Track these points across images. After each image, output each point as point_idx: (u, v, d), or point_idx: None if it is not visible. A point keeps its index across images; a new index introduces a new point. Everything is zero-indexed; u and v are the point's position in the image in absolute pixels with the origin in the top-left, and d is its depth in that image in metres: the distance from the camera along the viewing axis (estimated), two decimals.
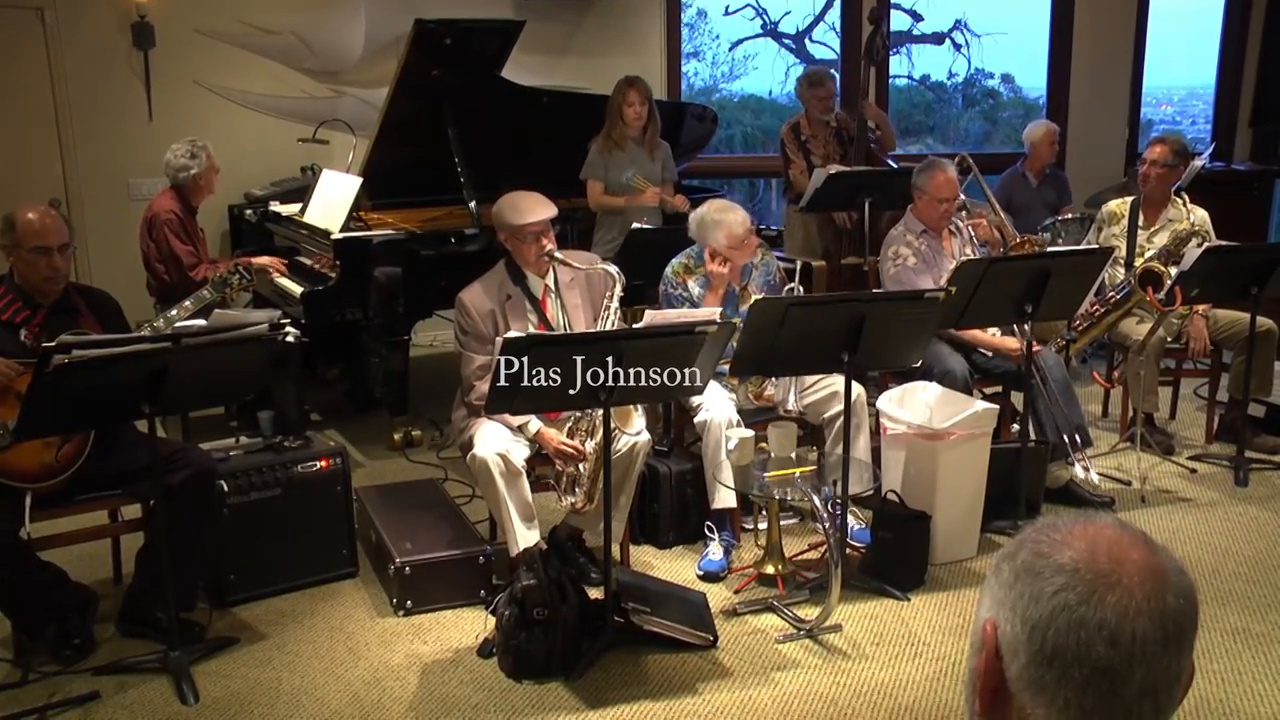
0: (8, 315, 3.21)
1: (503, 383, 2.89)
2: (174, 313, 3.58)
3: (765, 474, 3.57)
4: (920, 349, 3.52)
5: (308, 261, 5.13)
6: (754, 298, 3.65)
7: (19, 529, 3.05)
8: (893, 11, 7.02)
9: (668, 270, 4.01)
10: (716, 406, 3.71)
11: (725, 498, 3.74)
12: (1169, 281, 4.34)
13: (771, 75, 8.59)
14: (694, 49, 8.27)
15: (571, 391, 3.02)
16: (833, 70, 6.99)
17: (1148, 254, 4.69)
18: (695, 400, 3.75)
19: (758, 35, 8.45)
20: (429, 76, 4.96)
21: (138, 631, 3.31)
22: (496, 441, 3.38)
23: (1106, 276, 4.41)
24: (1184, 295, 4.23)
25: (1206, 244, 4.40)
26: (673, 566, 3.78)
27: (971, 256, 4.19)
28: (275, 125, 6.35)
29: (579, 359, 2.92)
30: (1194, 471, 4.58)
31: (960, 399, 3.85)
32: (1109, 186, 6.66)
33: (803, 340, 3.29)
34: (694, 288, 3.96)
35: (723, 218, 3.84)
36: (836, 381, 3.80)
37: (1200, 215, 4.78)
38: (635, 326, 3.61)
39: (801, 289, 4.17)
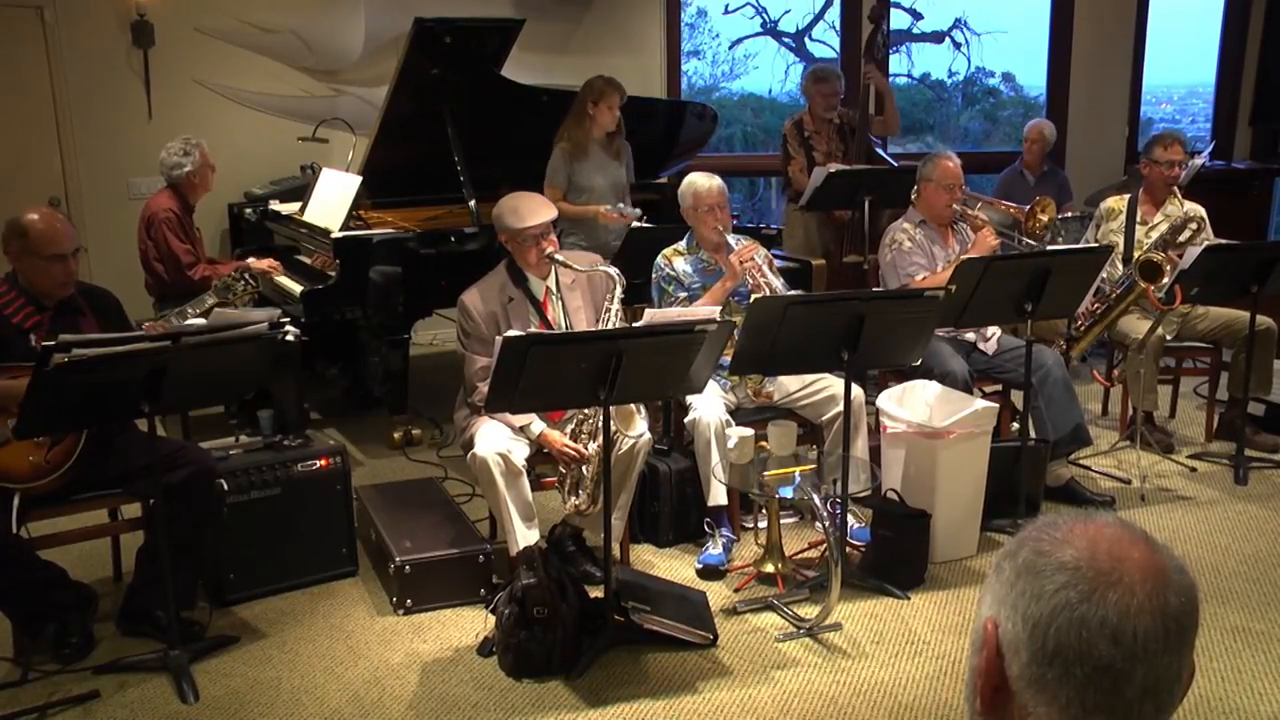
0: (19, 319, 3.21)
1: (502, 380, 2.89)
2: (188, 314, 3.61)
3: (765, 472, 3.58)
4: (920, 347, 3.52)
5: (307, 260, 5.13)
6: (754, 296, 3.65)
7: (13, 528, 3.05)
8: (893, 10, 7.00)
9: (658, 258, 4.05)
10: (706, 406, 3.72)
11: (719, 494, 3.75)
12: (1168, 270, 4.34)
13: (771, 74, 8.60)
14: (694, 48, 8.27)
15: (571, 390, 3.02)
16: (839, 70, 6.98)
17: (1145, 247, 4.70)
18: (686, 399, 3.76)
19: (757, 34, 8.45)
20: (429, 75, 4.97)
21: (137, 630, 3.31)
22: (497, 441, 3.38)
23: (1105, 274, 4.41)
24: (1184, 294, 4.24)
25: (1207, 243, 4.41)
26: (672, 565, 3.78)
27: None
28: (275, 124, 6.35)
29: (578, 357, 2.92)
30: (1194, 470, 4.58)
31: (960, 397, 3.85)
32: (1109, 185, 6.66)
33: (803, 339, 3.29)
34: (680, 265, 4.01)
35: (692, 179, 4.02)
36: (834, 384, 3.81)
37: (1197, 210, 4.79)
38: (634, 325, 3.61)
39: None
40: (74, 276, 3.27)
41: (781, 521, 3.78)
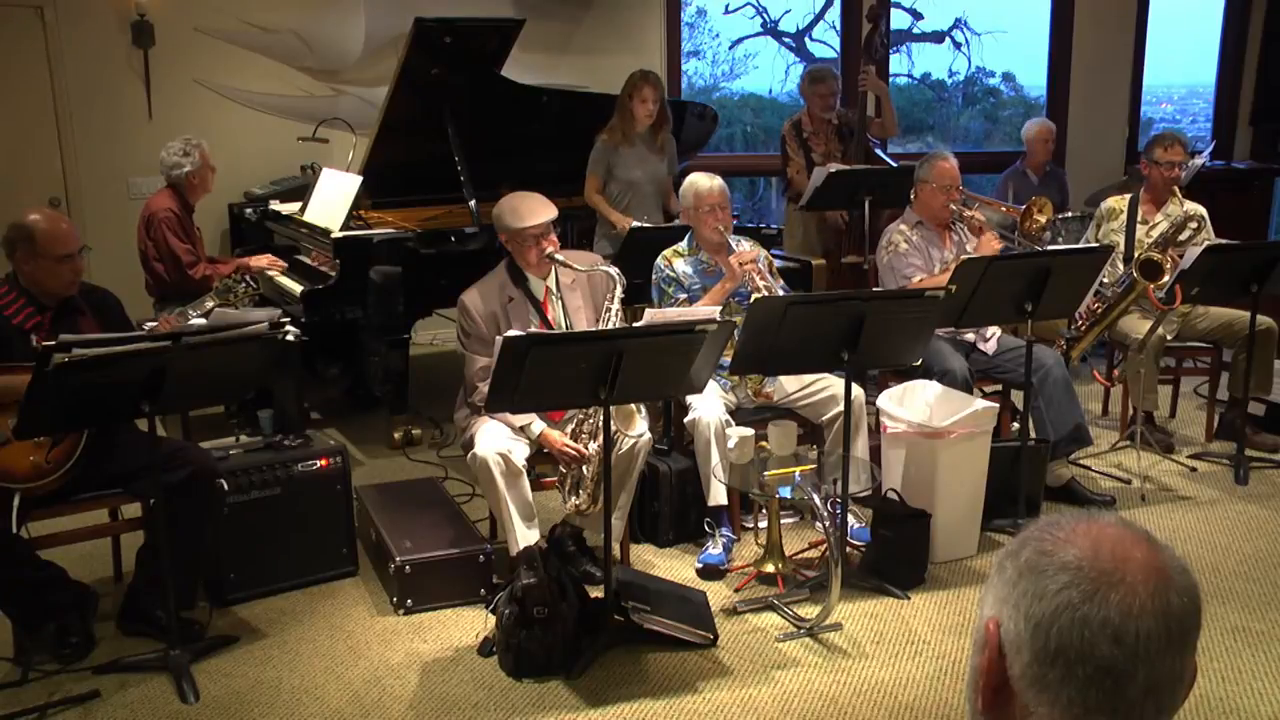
0: (19, 319, 3.20)
1: (502, 380, 2.89)
2: (189, 315, 3.62)
3: (765, 473, 3.57)
4: (920, 347, 3.52)
5: (308, 260, 5.13)
6: (754, 296, 3.65)
7: (13, 528, 3.05)
8: (893, 10, 7.01)
9: (658, 259, 4.05)
10: (706, 406, 3.72)
11: (719, 494, 3.75)
12: (1168, 268, 4.34)
13: (771, 74, 8.59)
14: (694, 48, 8.26)
15: (571, 390, 3.02)
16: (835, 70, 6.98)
17: (1146, 246, 4.69)
18: (686, 399, 3.76)
19: (758, 34, 8.44)
20: (429, 75, 4.97)
21: (138, 630, 3.31)
22: (497, 440, 3.38)
23: (1106, 273, 4.41)
24: (1184, 293, 4.24)
25: (1207, 242, 4.41)
26: (672, 565, 3.78)
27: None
28: (275, 124, 6.35)
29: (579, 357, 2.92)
30: (1194, 470, 4.58)
31: (960, 397, 3.85)
32: (1109, 185, 6.66)
33: (803, 339, 3.29)
34: (680, 266, 4.00)
35: (693, 179, 4.00)
36: (834, 384, 3.81)
37: (1197, 209, 4.79)
38: (635, 325, 3.61)
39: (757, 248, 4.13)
40: (80, 276, 3.28)
41: (781, 521, 3.78)
